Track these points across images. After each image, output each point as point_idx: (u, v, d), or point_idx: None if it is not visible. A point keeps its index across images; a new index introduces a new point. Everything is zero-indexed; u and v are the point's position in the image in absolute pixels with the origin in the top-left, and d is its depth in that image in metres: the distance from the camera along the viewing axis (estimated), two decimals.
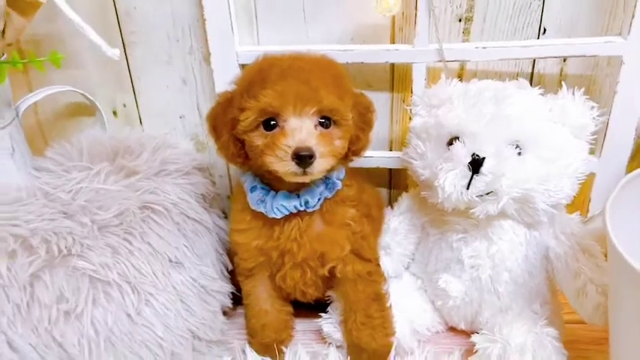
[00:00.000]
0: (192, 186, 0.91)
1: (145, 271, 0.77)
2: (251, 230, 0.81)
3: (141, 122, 1.03)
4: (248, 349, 0.87)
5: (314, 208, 0.78)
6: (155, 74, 0.98)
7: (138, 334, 0.75)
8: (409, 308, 0.90)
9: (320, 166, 0.70)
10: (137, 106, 1.01)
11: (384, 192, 1.08)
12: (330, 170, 0.76)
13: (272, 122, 0.71)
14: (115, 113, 1.02)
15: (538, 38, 0.92)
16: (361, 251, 0.83)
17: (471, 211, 0.79)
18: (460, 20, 0.91)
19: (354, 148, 0.78)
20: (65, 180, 0.83)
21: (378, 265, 0.87)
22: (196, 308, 0.82)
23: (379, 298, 0.85)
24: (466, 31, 0.92)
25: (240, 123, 0.72)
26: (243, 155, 0.77)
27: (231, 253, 0.93)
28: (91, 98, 0.95)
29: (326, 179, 0.79)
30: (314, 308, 0.93)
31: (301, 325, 0.95)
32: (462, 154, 0.77)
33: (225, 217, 0.99)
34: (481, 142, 0.77)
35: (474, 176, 0.76)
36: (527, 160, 0.78)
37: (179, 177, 0.91)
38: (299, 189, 0.77)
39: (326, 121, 0.72)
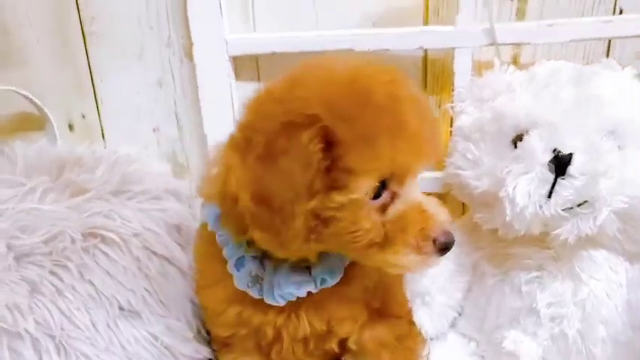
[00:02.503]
0: (164, 213, 0.70)
1: (80, 321, 0.54)
2: (228, 292, 0.53)
3: (104, 139, 0.81)
4: None
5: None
6: (123, 74, 0.78)
7: None
8: None
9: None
10: (99, 117, 0.81)
11: None
12: None
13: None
14: (70, 127, 0.81)
15: None
16: (387, 307, 0.57)
17: (555, 232, 0.56)
18: None
19: None
20: None
21: (412, 322, 0.62)
22: None
23: None
24: (520, 13, 0.72)
25: (346, 191, 0.43)
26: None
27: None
28: (38, 103, 0.75)
29: None
30: None
31: None
32: (538, 149, 0.55)
33: None
34: (564, 133, 0.56)
35: (559, 180, 0.54)
36: (629, 157, 0.55)
37: (146, 201, 0.69)
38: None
39: None
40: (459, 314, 0.72)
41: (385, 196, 0.45)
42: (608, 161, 0.54)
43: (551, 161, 0.55)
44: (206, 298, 0.56)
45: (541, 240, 0.61)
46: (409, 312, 0.62)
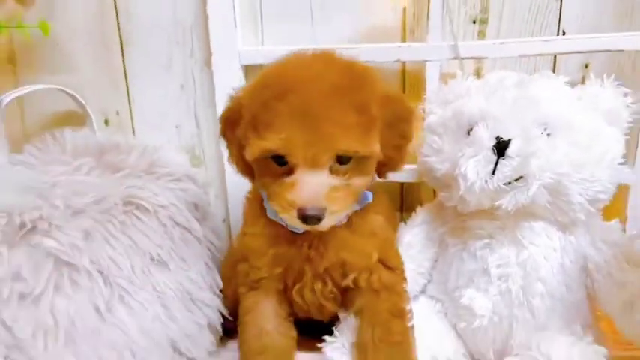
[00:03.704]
0: (184, 193, 0.84)
1: (122, 264, 0.67)
2: (268, 236, 0.70)
3: (134, 132, 0.96)
4: None
5: (340, 223, 0.68)
6: (153, 79, 0.94)
7: (106, 333, 0.63)
8: (428, 334, 0.77)
9: (330, 222, 0.62)
10: (131, 114, 0.95)
11: None
12: None
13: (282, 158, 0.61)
14: (106, 122, 0.96)
15: None
16: (388, 259, 0.73)
17: (498, 203, 0.70)
18: (474, 22, 0.87)
19: (386, 169, 0.68)
20: (42, 172, 0.75)
21: (404, 277, 0.76)
22: (179, 315, 0.70)
23: (402, 315, 0.73)
24: (481, 34, 0.88)
25: (246, 151, 0.62)
26: (253, 174, 0.67)
27: (221, 271, 0.83)
28: (82, 100, 0.90)
29: None
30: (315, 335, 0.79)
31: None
32: (484, 137, 0.70)
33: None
34: (505, 124, 0.70)
35: (500, 160, 0.68)
36: (558, 145, 0.70)
37: (170, 182, 0.83)
38: None
39: (344, 158, 0.62)
40: (429, 281, 0.85)
41: (287, 167, 0.61)
42: (537, 145, 0.68)
43: (494, 146, 0.69)
44: (254, 241, 0.71)
45: (490, 213, 0.74)
46: (403, 268, 0.76)
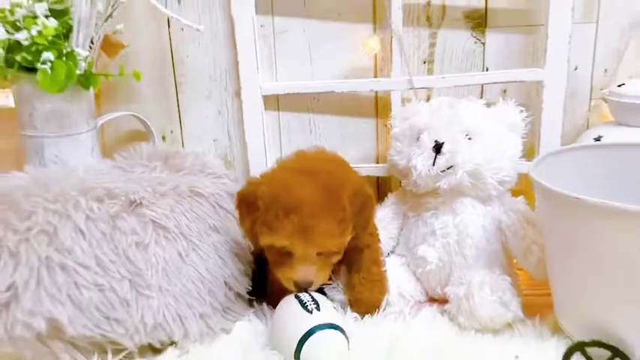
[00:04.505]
0: (224, 185, 1.15)
1: (193, 228, 1.00)
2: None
3: (183, 145, 1.31)
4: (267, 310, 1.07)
5: None
6: (197, 106, 1.28)
7: (185, 270, 0.96)
8: (396, 277, 1.10)
9: (315, 287, 0.92)
10: (181, 133, 1.31)
11: None
12: None
13: None
14: (163, 138, 1.31)
15: None
16: (371, 230, 1.06)
17: (437, 184, 1.05)
18: (424, 62, 1.24)
19: (353, 242, 0.94)
20: (130, 172, 1.11)
21: (379, 239, 1.09)
22: (229, 262, 1.04)
23: (378, 264, 1.06)
24: (429, 71, 1.24)
25: (259, 237, 0.90)
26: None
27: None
28: (147, 123, 1.25)
29: None
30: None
31: None
32: (427, 141, 1.04)
33: None
34: (441, 132, 1.05)
35: (437, 156, 1.01)
36: (475, 145, 1.05)
37: (214, 178, 1.16)
38: None
39: None
40: (396, 244, 1.17)
41: (287, 252, 0.89)
42: (460, 146, 1.02)
43: (433, 146, 1.03)
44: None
45: (435, 192, 1.05)
46: (378, 233, 1.09)
